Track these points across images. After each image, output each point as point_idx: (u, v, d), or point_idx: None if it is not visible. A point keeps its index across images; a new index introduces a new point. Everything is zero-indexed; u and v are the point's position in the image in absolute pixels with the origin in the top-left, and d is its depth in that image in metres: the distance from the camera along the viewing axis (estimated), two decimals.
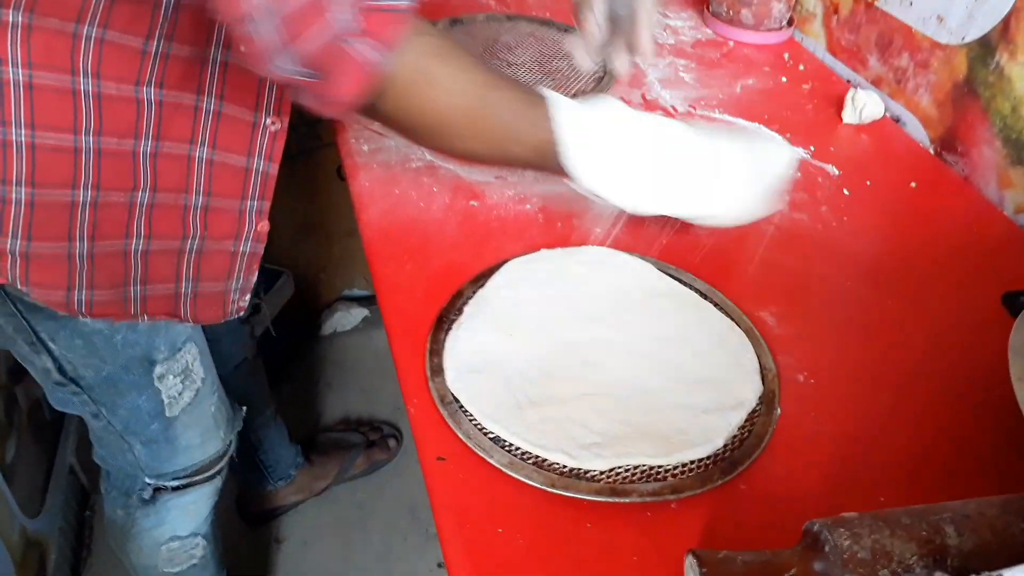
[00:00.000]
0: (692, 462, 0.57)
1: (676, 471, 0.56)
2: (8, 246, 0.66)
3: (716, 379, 0.63)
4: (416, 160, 0.87)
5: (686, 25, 1.20)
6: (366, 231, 0.77)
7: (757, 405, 0.62)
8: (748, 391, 0.62)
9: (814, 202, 0.85)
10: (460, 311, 0.69)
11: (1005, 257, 0.80)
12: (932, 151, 0.97)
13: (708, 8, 1.20)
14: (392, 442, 1.60)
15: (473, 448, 0.57)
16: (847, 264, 0.77)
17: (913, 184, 0.89)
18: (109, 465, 0.96)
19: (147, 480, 0.93)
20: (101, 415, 0.85)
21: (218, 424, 0.95)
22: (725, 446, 0.58)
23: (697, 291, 0.72)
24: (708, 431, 0.59)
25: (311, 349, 1.83)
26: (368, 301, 1.91)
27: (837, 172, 0.90)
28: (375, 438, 1.59)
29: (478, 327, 0.66)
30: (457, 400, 0.60)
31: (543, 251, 0.75)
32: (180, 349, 0.85)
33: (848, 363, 0.67)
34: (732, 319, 0.69)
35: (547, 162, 0.65)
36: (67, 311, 0.71)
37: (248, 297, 0.82)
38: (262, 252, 0.80)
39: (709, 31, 1.18)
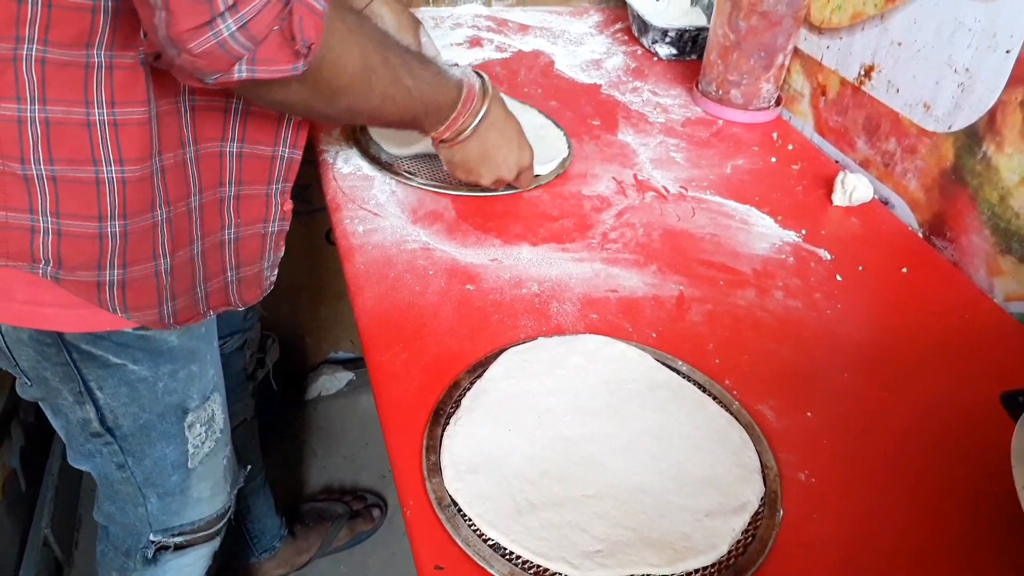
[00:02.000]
0: (696, 571, 0.56)
1: None
2: (108, 277, 0.70)
3: (718, 479, 0.62)
4: (411, 241, 0.87)
5: (675, 103, 1.22)
6: (362, 317, 0.77)
7: (760, 507, 0.61)
8: (750, 492, 0.61)
9: (808, 288, 0.85)
10: (457, 404, 0.68)
11: (997, 347, 0.81)
12: (921, 235, 0.98)
13: (697, 87, 1.22)
14: (376, 512, 1.57)
15: (472, 556, 0.55)
16: (842, 355, 0.77)
17: (904, 270, 0.90)
18: (114, 522, 0.95)
19: (151, 538, 0.94)
20: (126, 466, 0.87)
21: (226, 478, 0.97)
22: (729, 552, 0.57)
23: (695, 383, 0.72)
24: (712, 536, 0.58)
25: (294, 414, 1.81)
26: (354, 364, 1.89)
27: (829, 256, 0.91)
28: (359, 508, 1.56)
29: (476, 422, 0.65)
30: (455, 503, 0.59)
31: (540, 339, 0.74)
32: (208, 398, 0.89)
33: (848, 460, 0.67)
34: (731, 413, 0.69)
35: (426, 123, 0.83)
36: (161, 326, 0.77)
37: (276, 272, 0.87)
38: (288, 229, 0.84)
39: (699, 109, 1.20)
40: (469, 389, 0.69)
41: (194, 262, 0.77)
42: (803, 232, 0.94)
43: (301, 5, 0.57)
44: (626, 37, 1.43)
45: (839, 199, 1.00)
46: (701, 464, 0.64)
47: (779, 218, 0.96)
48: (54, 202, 0.66)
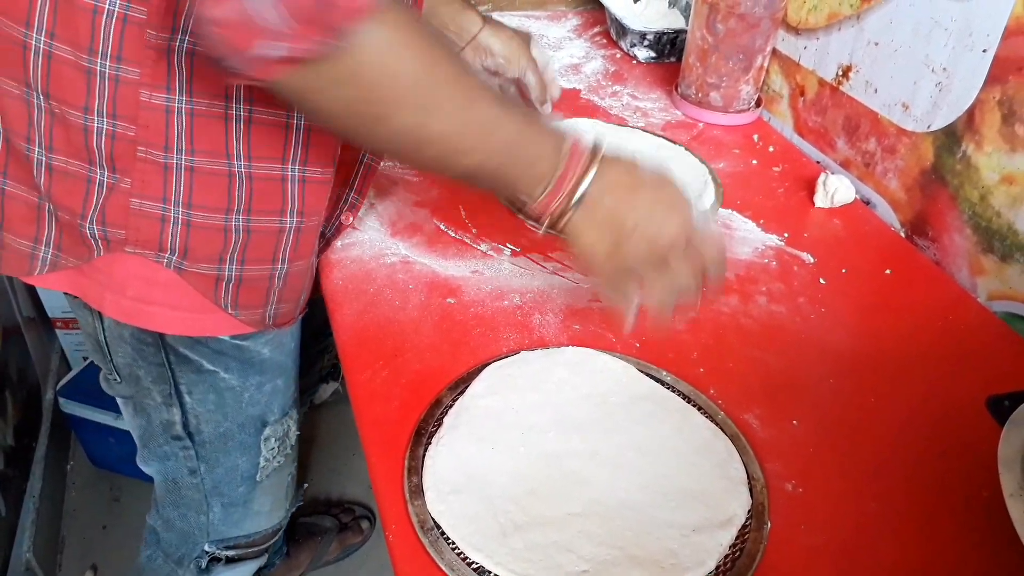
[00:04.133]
0: None
1: None
2: (227, 272, 0.71)
3: (704, 492, 0.62)
4: (391, 255, 0.85)
5: (655, 107, 1.21)
6: (340, 335, 0.75)
7: (747, 520, 0.60)
8: (737, 505, 0.61)
9: (791, 293, 0.85)
10: (439, 422, 0.66)
11: (982, 347, 0.81)
12: (903, 234, 0.98)
13: (677, 90, 1.21)
14: (365, 524, 1.55)
15: None
16: (827, 360, 0.77)
17: (888, 271, 0.90)
18: (172, 528, 0.95)
19: (206, 548, 0.94)
20: (198, 472, 0.88)
21: (287, 496, 0.98)
22: (717, 568, 0.57)
23: (680, 393, 0.71)
24: (699, 552, 0.57)
25: None
26: (339, 373, 1.87)
27: (812, 260, 0.90)
28: (347, 521, 1.54)
29: (459, 441, 0.64)
30: (439, 526, 0.58)
31: (523, 353, 0.73)
32: (287, 413, 0.89)
33: (834, 469, 0.66)
34: (716, 423, 0.68)
35: (520, 179, 0.63)
36: (260, 327, 0.77)
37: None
38: (336, 244, 0.86)
39: (679, 113, 1.20)
40: (451, 407, 0.68)
41: (305, 272, 0.78)
42: (785, 235, 0.94)
43: None
44: (604, 40, 1.42)
45: (821, 201, 1.00)
46: (687, 478, 0.63)
47: (761, 222, 0.96)
48: (188, 192, 0.66)
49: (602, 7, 1.42)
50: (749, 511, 0.61)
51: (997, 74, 0.83)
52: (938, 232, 0.93)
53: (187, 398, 0.81)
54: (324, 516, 1.54)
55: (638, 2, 1.46)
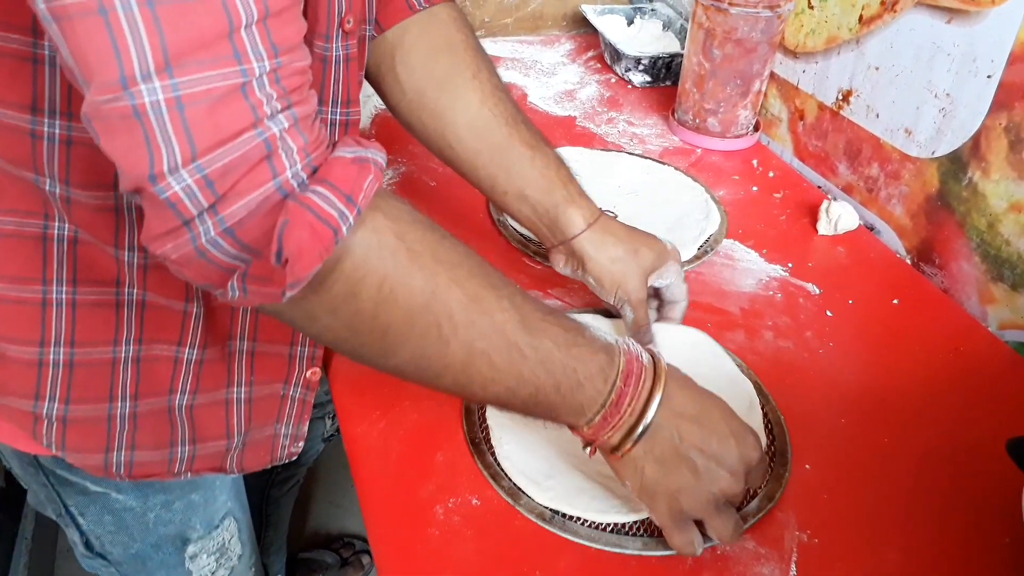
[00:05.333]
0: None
1: None
2: (45, 410, 0.61)
3: (721, 393, 0.61)
4: None
5: (652, 133, 1.19)
6: (336, 384, 0.73)
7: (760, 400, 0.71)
8: (748, 389, 0.71)
9: (798, 327, 0.83)
10: (485, 426, 0.68)
11: (995, 379, 0.79)
12: (909, 261, 0.96)
13: (674, 115, 1.20)
14: (366, 558, 1.52)
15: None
16: (838, 398, 0.75)
17: (895, 301, 0.87)
18: None
19: None
20: None
21: None
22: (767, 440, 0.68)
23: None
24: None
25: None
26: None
27: (818, 291, 0.88)
28: (348, 556, 1.51)
29: (517, 432, 0.66)
30: (557, 512, 0.61)
31: None
32: (218, 526, 0.79)
33: (851, 516, 0.64)
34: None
35: (561, 408, 0.54)
36: (104, 475, 0.66)
37: (301, 444, 0.76)
38: (312, 401, 0.74)
39: (676, 139, 1.18)
40: (484, 409, 0.69)
41: (174, 415, 0.67)
42: (789, 265, 0.92)
43: (306, 215, 0.42)
44: (599, 65, 1.41)
45: (824, 228, 0.98)
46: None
47: (764, 251, 0.94)
48: None
49: (595, 31, 1.41)
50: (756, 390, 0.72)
51: (1003, 100, 0.81)
52: (945, 260, 0.91)
53: (80, 520, 0.73)
54: (325, 551, 1.51)
55: (632, 25, 1.45)
